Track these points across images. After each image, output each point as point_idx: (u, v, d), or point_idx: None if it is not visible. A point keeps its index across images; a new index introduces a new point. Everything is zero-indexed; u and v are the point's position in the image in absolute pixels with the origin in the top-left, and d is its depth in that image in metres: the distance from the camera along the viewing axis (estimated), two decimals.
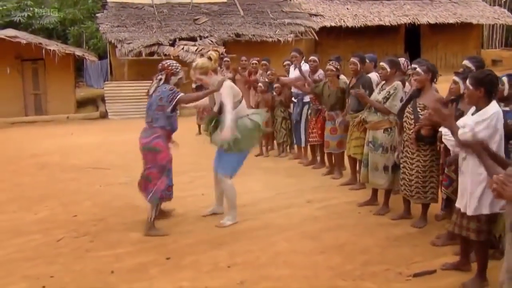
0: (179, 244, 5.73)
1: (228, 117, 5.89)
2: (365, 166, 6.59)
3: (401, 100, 6.16)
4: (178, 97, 5.93)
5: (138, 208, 7.04)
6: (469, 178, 4.33)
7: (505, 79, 4.87)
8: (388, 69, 6.30)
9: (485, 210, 4.30)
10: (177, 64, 6.16)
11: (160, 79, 6.05)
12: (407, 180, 5.89)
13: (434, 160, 5.74)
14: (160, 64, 6.18)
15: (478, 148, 3.44)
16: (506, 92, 4.83)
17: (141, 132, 6.20)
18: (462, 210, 4.51)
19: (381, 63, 6.45)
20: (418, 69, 5.66)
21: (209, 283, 4.77)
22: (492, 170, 3.24)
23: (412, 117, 5.76)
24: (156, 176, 6.05)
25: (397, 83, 6.29)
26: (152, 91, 6.03)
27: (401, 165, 6.01)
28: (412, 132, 5.73)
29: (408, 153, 5.86)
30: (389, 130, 6.29)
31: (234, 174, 6.40)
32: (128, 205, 7.20)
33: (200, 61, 6.25)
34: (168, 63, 6.15)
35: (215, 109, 6.31)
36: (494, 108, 4.21)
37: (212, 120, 6.36)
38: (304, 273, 4.90)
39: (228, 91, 6.03)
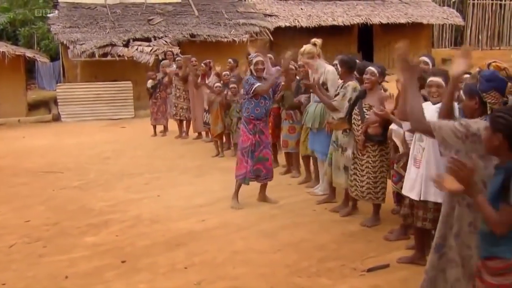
0: (135, 247, 5.68)
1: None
2: (330, 165, 6.63)
3: (349, 101, 6.22)
4: (254, 87, 6.60)
5: (92, 211, 6.96)
6: (434, 166, 4.44)
7: None
8: (339, 68, 6.41)
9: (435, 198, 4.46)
10: (253, 54, 6.98)
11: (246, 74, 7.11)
12: (358, 181, 5.97)
13: (384, 160, 5.85)
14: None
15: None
16: None
17: None
18: (415, 198, 4.64)
19: (334, 62, 6.56)
20: (375, 70, 5.79)
21: (166, 285, 4.75)
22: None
23: (359, 118, 5.88)
24: (240, 158, 6.82)
25: (349, 83, 6.36)
26: None
27: (352, 166, 6.09)
28: (360, 133, 5.85)
29: (359, 154, 5.96)
30: (347, 131, 6.34)
31: None
32: (82, 209, 7.09)
33: (307, 47, 6.98)
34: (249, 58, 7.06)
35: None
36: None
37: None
38: (261, 271, 4.94)
39: (336, 77, 6.73)
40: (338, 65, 6.48)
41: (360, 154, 5.92)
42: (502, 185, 2.73)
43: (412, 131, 4.04)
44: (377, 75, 5.78)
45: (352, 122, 6.03)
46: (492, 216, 2.76)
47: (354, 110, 5.97)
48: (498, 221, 2.73)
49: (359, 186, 5.97)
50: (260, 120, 6.79)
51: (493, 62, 3.84)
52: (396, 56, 3.48)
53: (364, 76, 5.87)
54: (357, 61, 6.77)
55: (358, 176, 5.97)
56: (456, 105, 4.29)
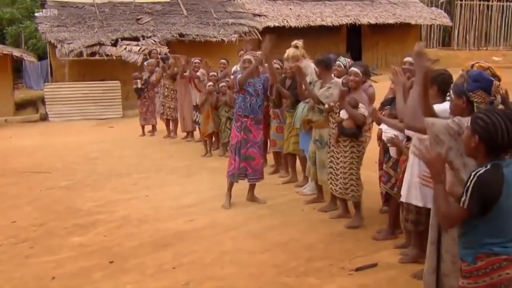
0: (122, 247, 5.65)
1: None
2: (313, 164, 6.66)
3: None
4: (236, 81, 6.75)
5: (79, 212, 6.92)
6: (415, 170, 4.43)
7: None
8: (316, 68, 6.45)
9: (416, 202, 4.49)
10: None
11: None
12: (334, 174, 6.03)
13: (355, 158, 5.87)
14: None
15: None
16: None
17: None
18: (404, 200, 4.67)
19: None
20: (358, 71, 5.82)
21: (154, 285, 4.74)
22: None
23: (338, 114, 5.91)
24: (231, 156, 6.91)
25: (337, 80, 6.38)
26: None
27: (328, 160, 6.13)
28: (335, 127, 5.90)
29: (335, 147, 5.99)
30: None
31: None
32: (69, 209, 7.04)
33: (290, 51, 7.09)
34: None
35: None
36: (443, 106, 4.30)
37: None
38: (249, 271, 4.93)
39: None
40: (315, 65, 6.49)
41: (334, 148, 5.95)
42: (464, 186, 2.69)
43: (407, 127, 3.98)
44: (361, 75, 5.84)
45: (330, 115, 6.08)
46: (442, 207, 2.73)
47: (336, 105, 6.01)
48: (445, 214, 2.72)
49: (334, 180, 6.03)
50: (247, 118, 6.74)
51: (476, 63, 3.86)
52: (414, 54, 3.50)
53: (348, 77, 5.90)
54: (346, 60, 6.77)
55: (334, 169, 6.02)
56: (445, 106, 4.30)
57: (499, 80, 4.35)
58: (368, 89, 6.35)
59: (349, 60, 6.72)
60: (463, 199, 2.65)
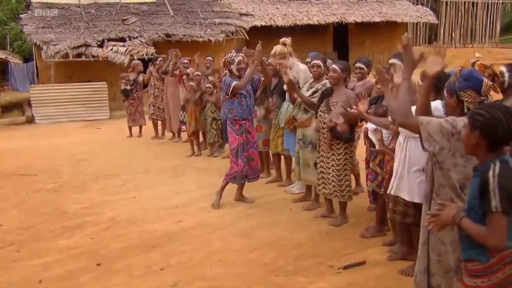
0: (110, 249, 5.62)
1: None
2: (298, 163, 6.66)
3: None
4: (232, 86, 6.50)
5: (66, 214, 6.87)
6: (406, 164, 4.47)
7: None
8: (323, 67, 6.38)
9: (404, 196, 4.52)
10: (231, 54, 6.84)
11: (225, 74, 6.97)
12: (326, 179, 5.99)
13: (348, 158, 5.89)
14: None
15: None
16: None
17: None
18: (392, 193, 4.69)
19: (316, 61, 6.45)
20: (336, 67, 5.83)
21: (142, 287, 4.72)
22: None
23: (326, 115, 5.89)
24: (232, 159, 6.78)
25: (326, 81, 6.37)
26: None
27: (318, 164, 6.11)
28: (326, 131, 5.86)
29: (324, 152, 5.98)
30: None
31: None
32: (57, 212, 6.99)
33: (278, 48, 6.99)
34: (224, 58, 6.85)
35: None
36: (433, 104, 4.31)
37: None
38: (238, 271, 4.93)
39: (307, 75, 6.78)
40: (321, 64, 6.39)
41: (326, 152, 5.93)
42: (480, 192, 2.58)
43: (400, 125, 3.96)
44: (339, 71, 5.83)
45: (318, 119, 6.06)
46: (482, 235, 2.58)
47: (321, 107, 6.00)
48: (491, 236, 2.56)
49: (326, 184, 6.00)
50: (245, 120, 6.74)
51: (477, 61, 3.85)
52: (401, 47, 3.45)
53: (328, 74, 5.90)
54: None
55: (325, 174, 5.99)
56: (439, 104, 4.31)
57: (498, 78, 4.33)
58: (366, 83, 6.49)
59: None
60: (493, 204, 2.52)
